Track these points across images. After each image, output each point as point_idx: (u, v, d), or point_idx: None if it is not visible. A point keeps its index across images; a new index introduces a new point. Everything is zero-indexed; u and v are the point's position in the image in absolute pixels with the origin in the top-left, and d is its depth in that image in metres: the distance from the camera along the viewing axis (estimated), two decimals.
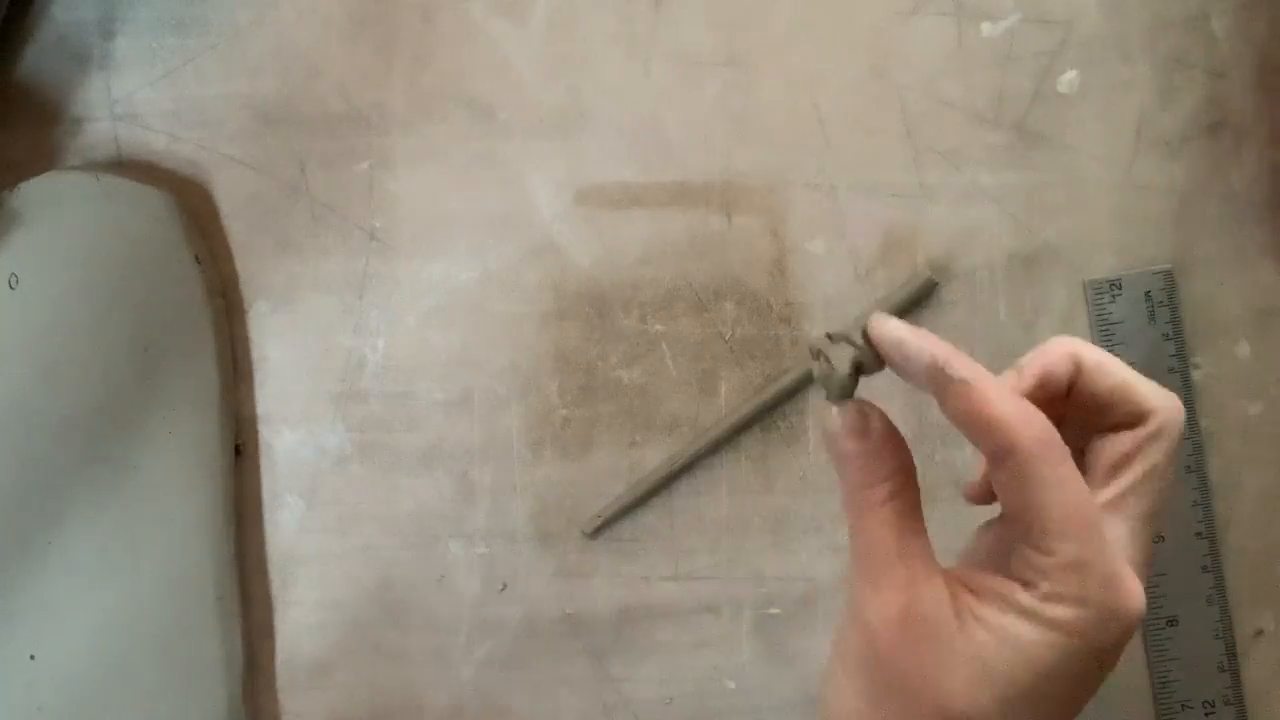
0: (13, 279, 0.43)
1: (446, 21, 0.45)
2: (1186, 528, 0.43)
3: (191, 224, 0.44)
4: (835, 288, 0.44)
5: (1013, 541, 0.27)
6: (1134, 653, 0.43)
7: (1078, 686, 0.26)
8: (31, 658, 0.43)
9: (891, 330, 0.28)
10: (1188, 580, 0.43)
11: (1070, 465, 0.26)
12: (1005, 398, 0.26)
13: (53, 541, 0.43)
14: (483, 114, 0.45)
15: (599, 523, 0.44)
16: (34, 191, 0.43)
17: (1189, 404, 0.43)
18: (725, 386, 0.44)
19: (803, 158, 0.44)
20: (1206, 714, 0.43)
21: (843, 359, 0.29)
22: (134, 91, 0.45)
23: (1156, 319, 0.44)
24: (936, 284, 0.44)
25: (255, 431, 0.45)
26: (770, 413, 0.44)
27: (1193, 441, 0.43)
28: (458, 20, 0.45)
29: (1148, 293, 0.44)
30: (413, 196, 0.45)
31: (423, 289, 0.45)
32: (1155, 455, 0.29)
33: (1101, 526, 0.26)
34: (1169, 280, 0.44)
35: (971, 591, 0.27)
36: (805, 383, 0.44)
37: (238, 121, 0.45)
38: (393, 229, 0.45)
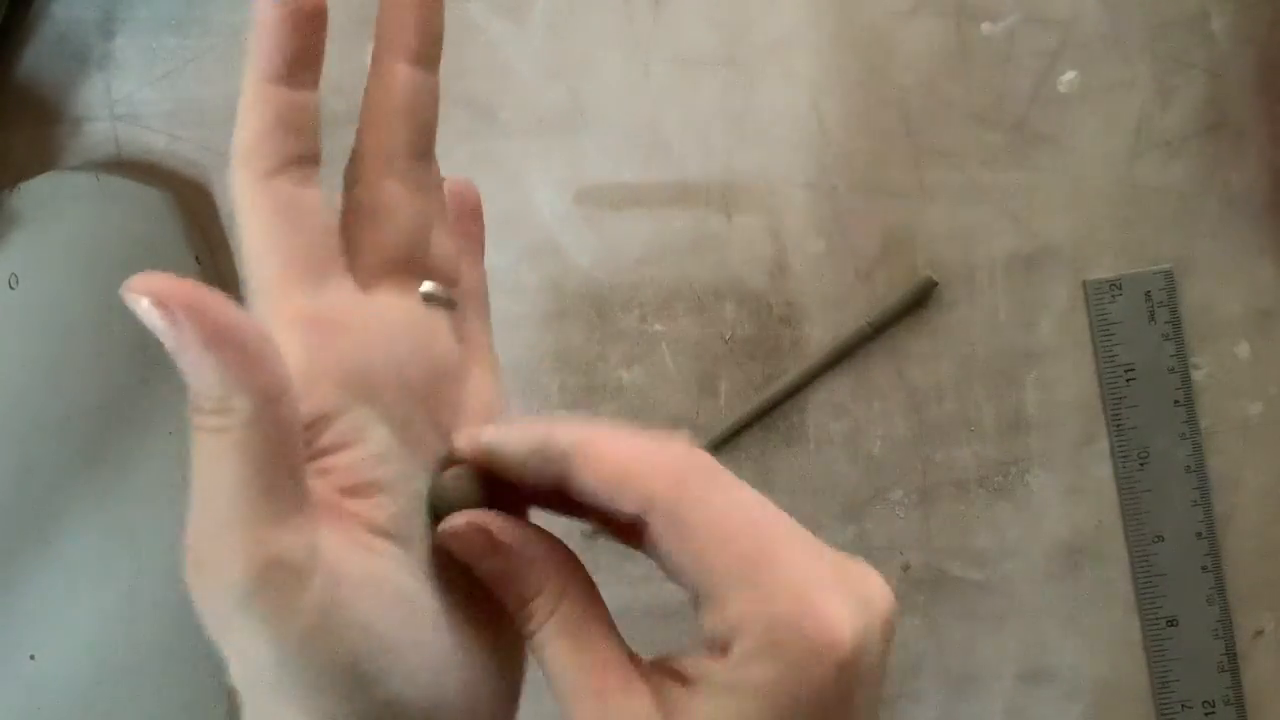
0: (13, 279, 0.43)
1: (446, 22, 0.45)
2: (1186, 528, 0.43)
3: (191, 224, 0.44)
4: (835, 288, 0.44)
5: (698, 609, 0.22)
6: (1134, 653, 0.43)
7: None
8: (31, 658, 0.43)
9: (475, 439, 0.24)
10: (1188, 580, 0.43)
11: (720, 492, 0.22)
12: (624, 444, 0.22)
13: (53, 541, 0.43)
14: (483, 114, 0.45)
15: None
16: (34, 191, 0.43)
17: (1189, 404, 0.43)
18: (725, 386, 0.44)
19: (803, 158, 0.44)
20: (1206, 714, 0.43)
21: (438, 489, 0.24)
22: (134, 91, 0.45)
23: (1156, 319, 0.44)
24: (936, 284, 0.44)
25: None
26: (770, 413, 0.44)
27: (1193, 441, 0.43)
28: (458, 20, 0.45)
29: (1148, 293, 0.44)
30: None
31: None
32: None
33: (778, 552, 0.22)
34: (1169, 280, 0.44)
35: (681, 681, 0.22)
36: (805, 382, 0.44)
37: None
38: None
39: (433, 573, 0.23)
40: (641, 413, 0.44)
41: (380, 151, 0.25)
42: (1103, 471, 0.44)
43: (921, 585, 0.44)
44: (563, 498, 0.23)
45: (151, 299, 0.19)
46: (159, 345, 0.20)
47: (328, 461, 0.22)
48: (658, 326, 0.45)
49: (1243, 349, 0.44)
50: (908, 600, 0.44)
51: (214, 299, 0.20)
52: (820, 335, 0.44)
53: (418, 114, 0.26)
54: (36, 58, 0.46)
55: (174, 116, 0.45)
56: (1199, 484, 0.43)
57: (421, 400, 0.24)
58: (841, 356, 0.44)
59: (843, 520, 0.44)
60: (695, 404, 0.44)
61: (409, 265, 0.25)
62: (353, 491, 0.22)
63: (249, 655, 0.20)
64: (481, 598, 0.24)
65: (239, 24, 0.45)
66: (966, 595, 0.43)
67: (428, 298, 0.25)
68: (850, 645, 0.21)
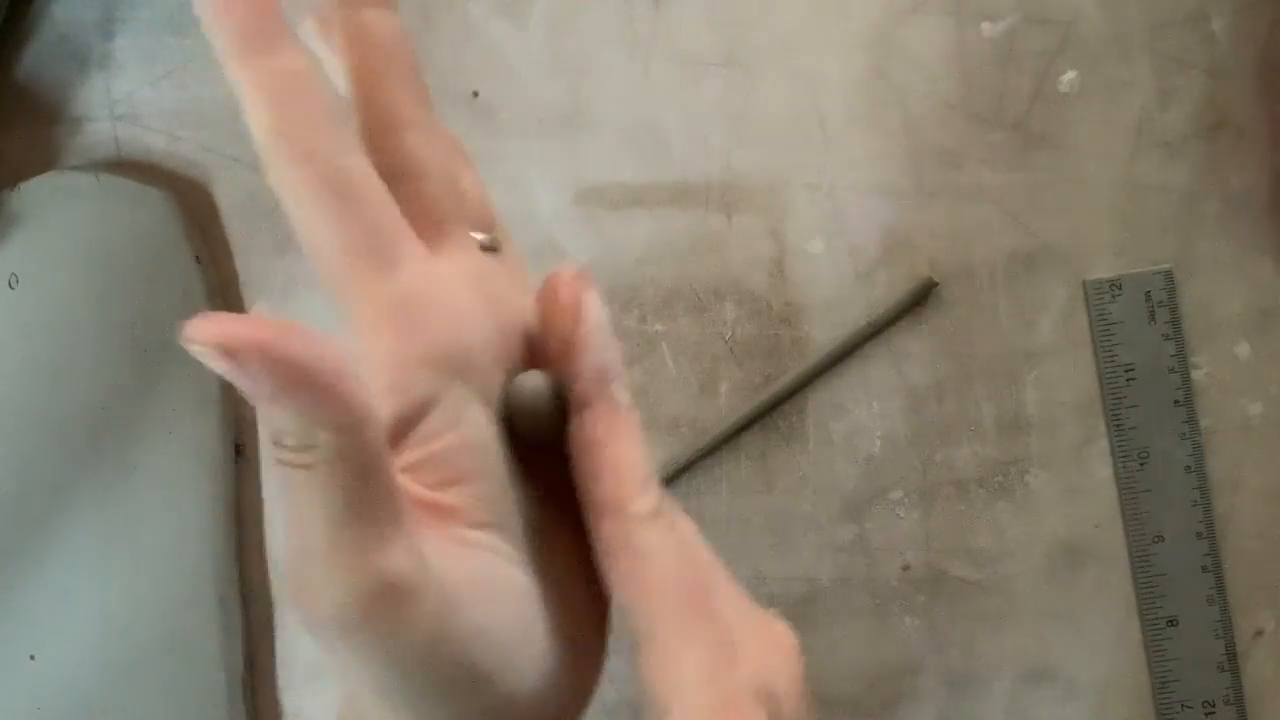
0: (13, 279, 0.43)
1: (446, 21, 0.45)
2: (1186, 528, 0.43)
3: (191, 224, 0.44)
4: (835, 288, 0.44)
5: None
6: (1134, 653, 0.43)
7: None
8: (31, 658, 0.43)
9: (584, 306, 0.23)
10: (1188, 580, 0.43)
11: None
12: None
13: (53, 541, 0.43)
14: (483, 114, 0.45)
15: None
16: (34, 191, 0.43)
17: (1189, 404, 0.43)
18: (725, 386, 0.44)
19: (803, 158, 0.44)
20: (1206, 714, 0.43)
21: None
22: (134, 91, 0.45)
23: (1156, 319, 0.44)
24: (936, 284, 0.44)
25: (255, 431, 0.45)
26: (770, 413, 0.44)
27: (1193, 441, 0.43)
28: (458, 20, 0.45)
29: (1148, 293, 0.44)
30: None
31: None
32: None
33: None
34: (1169, 280, 0.44)
35: None
36: (805, 382, 0.44)
37: (238, 121, 0.45)
38: None
39: (529, 551, 0.23)
40: (641, 413, 0.44)
41: (390, 109, 0.23)
42: (1103, 471, 0.44)
43: (921, 585, 0.44)
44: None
45: (217, 348, 0.17)
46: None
47: (425, 453, 0.21)
48: (658, 326, 0.45)
49: (1243, 349, 0.44)
50: (908, 600, 0.44)
51: (285, 336, 0.18)
52: (820, 335, 0.44)
53: (406, 58, 0.24)
54: (36, 58, 0.46)
55: (174, 116, 0.45)
56: (1199, 484, 0.43)
57: (506, 362, 0.23)
58: (841, 356, 0.44)
59: (843, 520, 0.44)
60: (695, 404, 0.44)
61: (456, 216, 0.24)
62: (451, 482, 0.21)
63: (365, 676, 0.20)
64: (568, 569, 0.23)
65: None
66: (966, 595, 0.43)
67: (484, 248, 0.24)
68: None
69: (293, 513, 0.19)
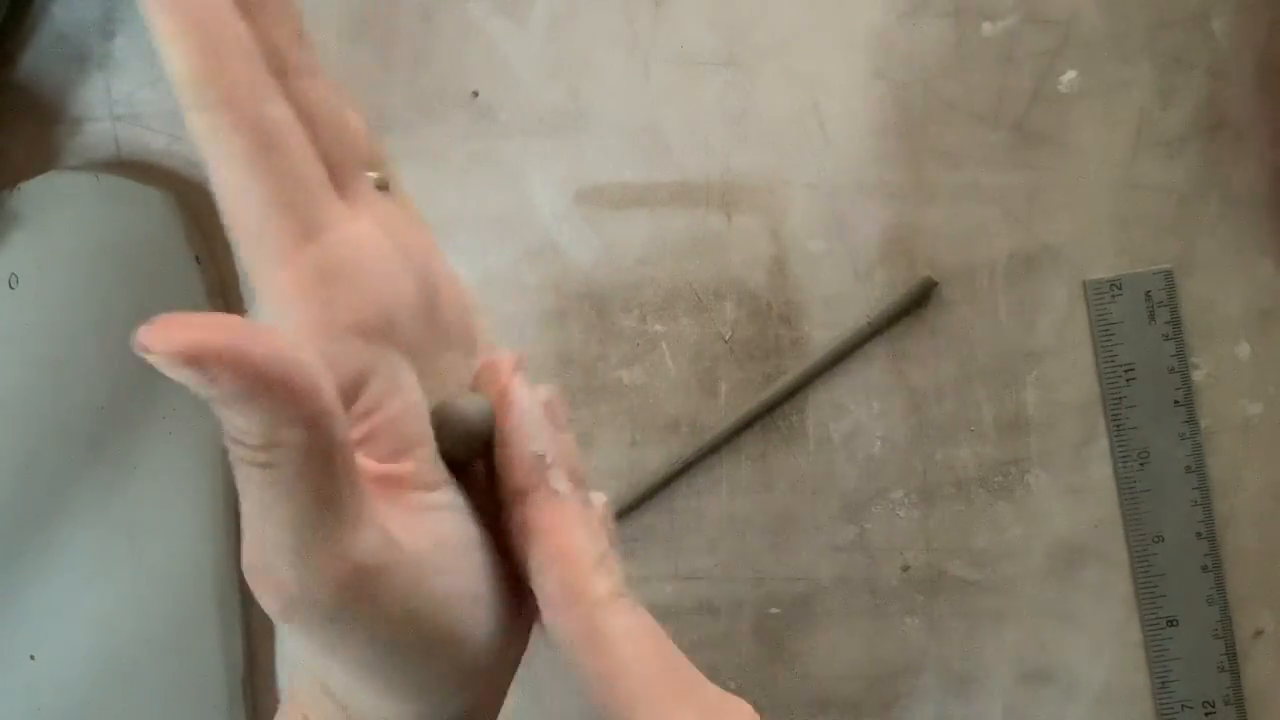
0: (13, 279, 0.43)
1: (446, 21, 0.45)
2: (1186, 528, 0.43)
3: (191, 224, 0.44)
4: (835, 288, 0.44)
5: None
6: (1134, 653, 0.43)
7: None
8: (31, 658, 0.43)
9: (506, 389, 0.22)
10: (1188, 580, 0.43)
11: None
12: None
13: (53, 541, 0.43)
14: (483, 114, 0.45)
15: None
16: (34, 191, 0.43)
17: (1189, 404, 0.43)
18: (725, 386, 0.44)
19: (803, 158, 0.44)
20: (1206, 714, 0.43)
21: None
22: (134, 91, 0.45)
23: (1156, 319, 0.44)
24: (936, 284, 0.44)
25: None
26: (770, 413, 0.44)
27: (1193, 441, 0.43)
28: (458, 20, 0.45)
29: (1148, 293, 0.43)
30: (412, 196, 0.45)
31: None
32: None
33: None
34: (1169, 280, 0.44)
35: None
36: (805, 382, 0.44)
37: None
38: None
39: (472, 506, 0.22)
40: (641, 413, 0.44)
41: (273, 53, 0.20)
42: (1103, 471, 0.44)
43: (921, 585, 0.44)
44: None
45: (177, 356, 0.16)
46: None
47: (370, 426, 0.20)
48: (658, 326, 0.45)
49: (1243, 349, 0.44)
50: (907, 600, 0.44)
51: (246, 338, 0.17)
52: (820, 335, 0.44)
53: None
54: (36, 58, 0.46)
55: (174, 116, 0.45)
56: (1199, 484, 0.43)
57: (427, 316, 0.22)
58: (841, 356, 0.44)
59: (843, 520, 0.44)
60: (695, 404, 0.44)
61: (353, 160, 0.22)
62: (400, 451, 0.21)
63: (342, 656, 0.20)
64: (493, 525, 0.23)
65: None
66: (966, 595, 0.43)
67: (379, 186, 0.23)
68: None
69: (256, 509, 0.18)
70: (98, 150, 0.45)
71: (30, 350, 0.43)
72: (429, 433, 0.21)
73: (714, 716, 0.22)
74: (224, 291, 0.45)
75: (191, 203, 0.45)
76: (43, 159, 0.45)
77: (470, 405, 0.22)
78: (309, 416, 0.17)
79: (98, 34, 0.46)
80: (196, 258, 0.44)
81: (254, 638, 0.44)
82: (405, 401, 0.21)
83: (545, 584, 0.22)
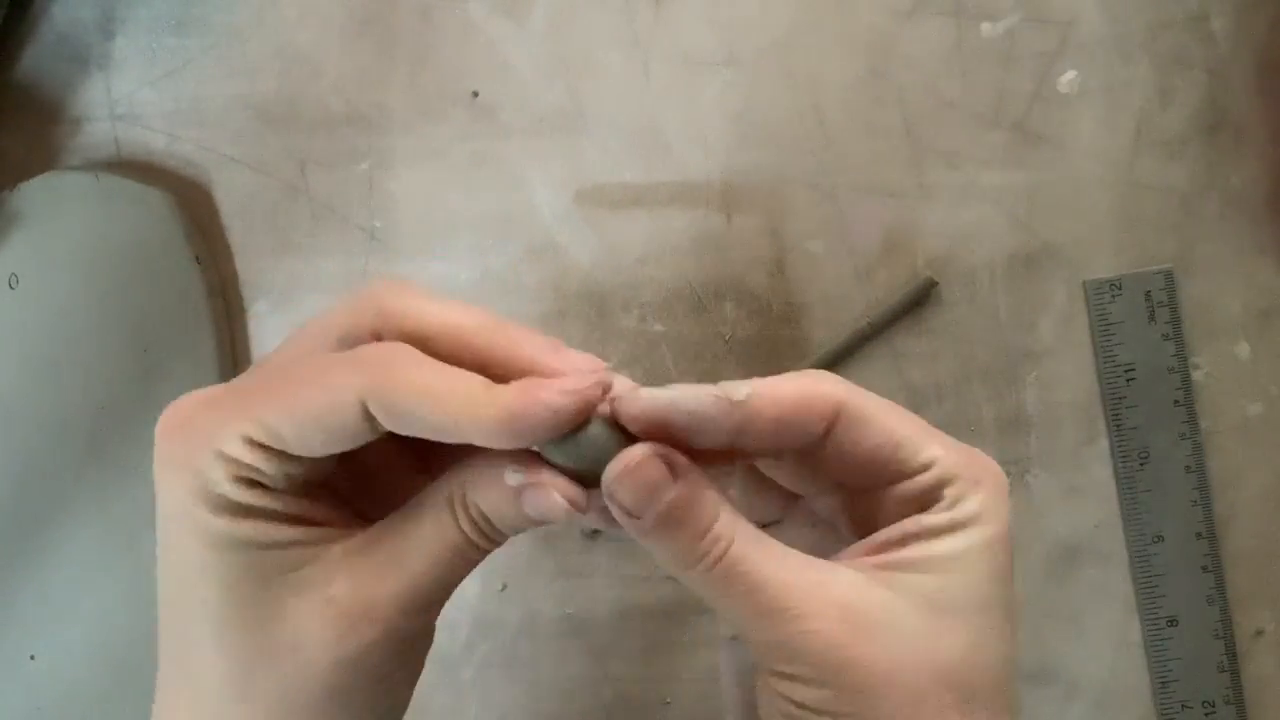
0: (13, 279, 0.43)
1: (446, 21, 0.45)
2: (1186, 528, 0.43)
3: (191, 224, 0.44)
4: (835, 288, 0.44)
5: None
6: (1134, 653, 0.43)
7: None
8: (31, 658, 0.43)
9: (655, 399, 0.24)
10: (1188, 580, 0.43)
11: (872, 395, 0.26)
12: (789, 382, 0.25)
13: (52, 541, 0.43)
14: (483, 114, 0.45)
15: None
16: (34, 191, 0.43)
17: (1189, 404, 0.43)
18: None
19: (803, 158, 0.44)
20: (1206, 714, 0.43)
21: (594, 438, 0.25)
22: (134, 91, 0.45)
23: (1156, 319, 0.44)
24: (936, 284, 0.44)
25: None
26: None
27: (1193, 441, 0.43)
28: (458, 20, 0.45)
29: (1148, 293, 0.44)
30: (412, 197, 0.45)
31: None
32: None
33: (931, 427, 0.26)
34: (1169, 280, 0.44)
35: (889, 548, 0.25)
36: None
37: (238, 121, 0.45)
38: (392, 229, 0.45)
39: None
40: None
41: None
42: (1103, 471, 0.44)
43: None
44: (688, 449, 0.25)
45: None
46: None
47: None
48: (658, 326, 0.45)
49: (1243, 349, 0.44)
50: None
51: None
52: (820, 335, 0.44)
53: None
54: (36, 58, 0.46)
55: (174, 116, 0.45)
56: (1199, 484, 0.43)
57: None
58: (841, 356, 0.44)
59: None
60: None
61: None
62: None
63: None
64: None
65: (239, 24, 0.45)
66: None
67: None
68: (1008, 484, 0.25)
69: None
70: (98, 150, 0.45)
71: (30, 350, 0.43)
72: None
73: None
74: (224, 292, 0.45)
75: (191, 203, 0.45)
76: (43, 159, 0.45)
77: (596, 430, 0.24)
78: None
79: (98, 34, 0.46)
80: (196, 258, 0.44)
81: None
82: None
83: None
